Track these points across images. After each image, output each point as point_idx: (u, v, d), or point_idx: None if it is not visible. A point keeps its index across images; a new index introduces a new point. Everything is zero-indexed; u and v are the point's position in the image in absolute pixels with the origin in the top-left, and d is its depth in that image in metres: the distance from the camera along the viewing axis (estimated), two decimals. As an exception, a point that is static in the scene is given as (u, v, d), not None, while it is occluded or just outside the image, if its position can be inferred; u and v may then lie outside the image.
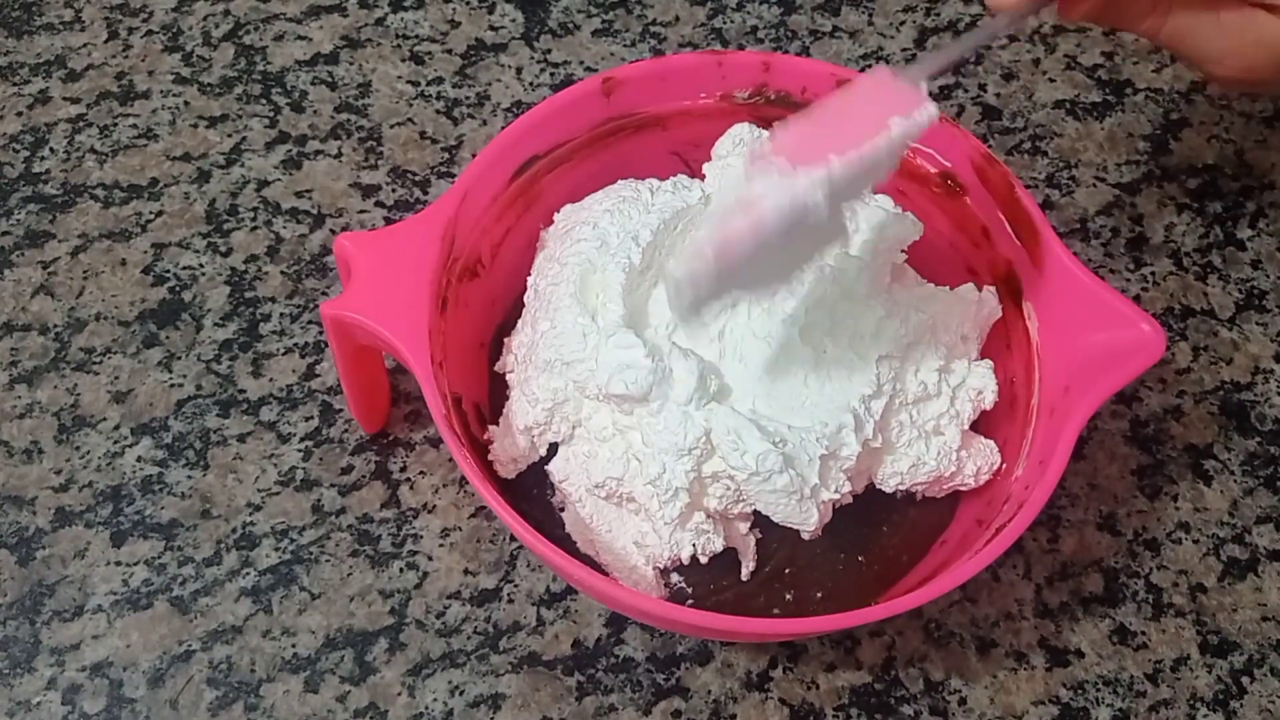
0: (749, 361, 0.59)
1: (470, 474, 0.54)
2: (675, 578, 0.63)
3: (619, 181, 0.67)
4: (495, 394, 0.67)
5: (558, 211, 0.67)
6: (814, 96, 0.68)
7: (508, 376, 0.65)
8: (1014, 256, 0.65)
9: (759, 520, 0.61)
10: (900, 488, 0.62)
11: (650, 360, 0.57)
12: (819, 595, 0.63)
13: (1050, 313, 0.63)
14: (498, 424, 0.65)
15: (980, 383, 0.63)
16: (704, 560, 0.61)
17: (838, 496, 0.58)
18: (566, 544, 0.63)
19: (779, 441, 0.56)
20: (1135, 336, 0.58)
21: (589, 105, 0.68)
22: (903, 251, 0.63)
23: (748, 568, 0.63)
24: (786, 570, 0.64)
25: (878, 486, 0.63)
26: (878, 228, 0.61)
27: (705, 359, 0.58)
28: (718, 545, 0.60)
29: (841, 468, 0.58)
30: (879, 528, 0.65)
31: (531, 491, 0.65)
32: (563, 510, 0.64)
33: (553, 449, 0.63)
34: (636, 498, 0.59)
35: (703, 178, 0.68)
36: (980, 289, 0.65)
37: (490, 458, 0.64)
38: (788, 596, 0.63)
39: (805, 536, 0.60)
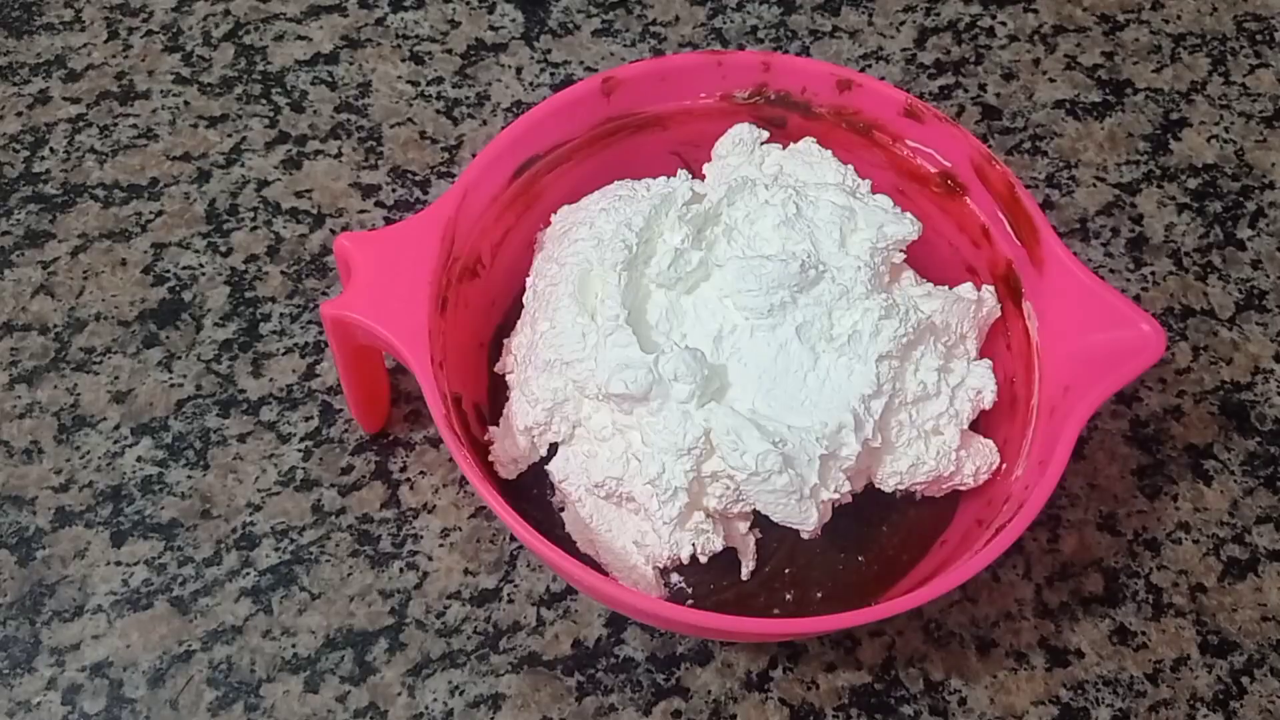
0: (748, 361, 0.59)
1: (470, 474, 0.54)
2: (675, 578, 0.63)
3: (615, 182, 0.66)
4: (495, 394, 0.67)
5: (555, 212, 0.67)
6: (814, 96, 0.69)
7: (507, 377, 0.65)
8: (1014, 256, 0.65)
9: (759, 520, 0.61)
10: (900, 487, 0.62)
11: (649, 359, 0.57)
12: (819, 595, 0.63)
13: (1050, 312, 0.63)
14: (498, 424, 0.65)
15: (979, 382, 0.63)
16: (704, 560, 0.60)
17: (837, 496, 0.58)
18: (566, 544, 0.63)
19: (778, 441, 0.56)
20: (1135, 336, 0.58)
21: (589, 105, 0.67)
22: (901, 251, 0.63)
23: (748, 567, 0.63)
24: (786, 570, 0.64)
25: (877, 486, 0.62)
26: (876, 227, 0.61)
27: (705, 358, 0.58)
28: (717, 545, 0.60)
29: (841, 467, 0.58)
30: (879, 527, 0.65)
31: (531, 491, 0.65)
32: (562, 510, 0.64)
33: (553, 449, 0.63)
34: (636, 497, 0.59)
35: (703, 178, 0.68)
36: (979, 288, 0.65)
37: (490, 458, 0.64)
38: (788, 596, 0.63)
39: (805, 536, 0.60)
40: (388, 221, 0.78)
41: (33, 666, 0.63)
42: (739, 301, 0.60)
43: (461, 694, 0.63)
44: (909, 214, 0.63)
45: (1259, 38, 0.91)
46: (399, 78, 0.85)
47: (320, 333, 0.74)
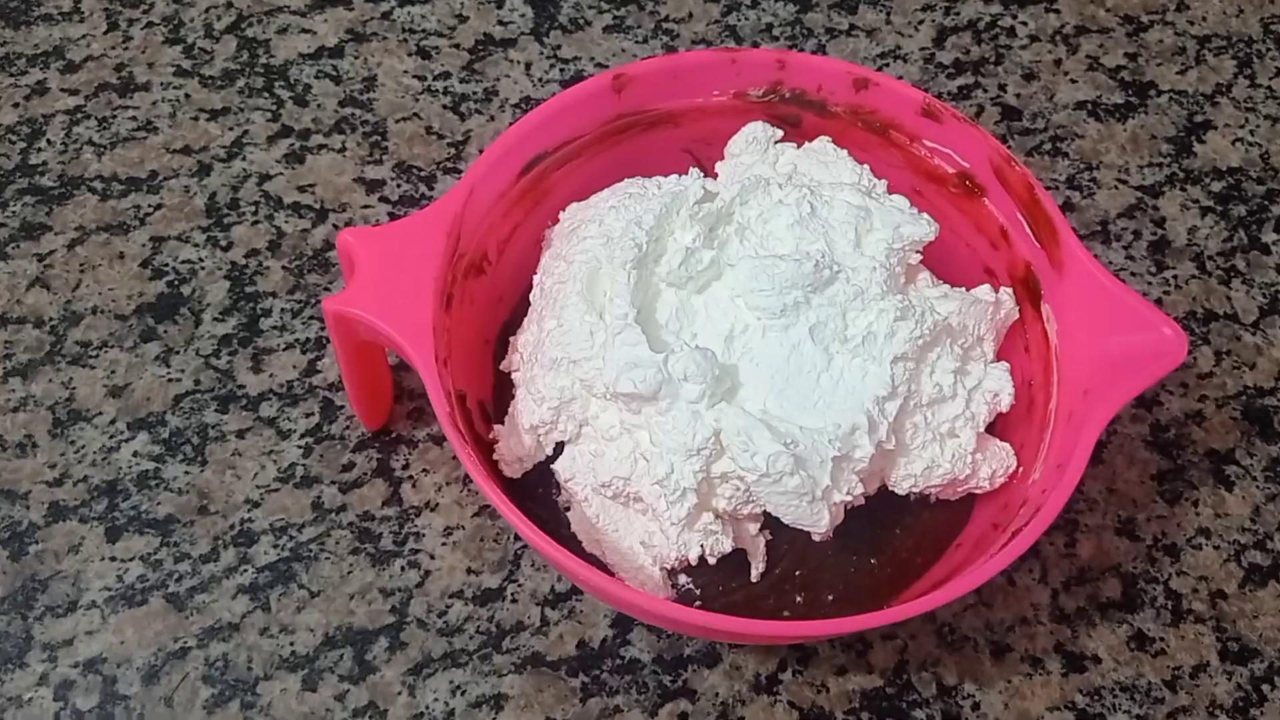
0: (760, 361, 0.60)
1: (474, 473, 0.55)
2: (683, 579, 0.64)
3: (625, 180, 0.68)
4: (500, 392, 0.68)
5: (564, 210, 0.68)
6: (829, 95, 0.70)
7: (513, 375, 0.66)
8: (1033, 258, 0.66)
9: (769, 521, 0.62)
10: (914, 490, 0.63)
11: (658, 358, 0.58)
12: (830, 598, 0.64)
13: (1070, 315, 0.64)
14: (502, 423, 0.66)
15: (996, 385, 0.64)
16: (712, 561, 0.61)
17: (850, 498, 0.59)
18: (572, 544, 0.64)
19: (790, 442, 0.56)
20: (1156, 340, 0.59)
21: (600, 102, 0.69)
22: (918, 252, 0.64)
23: (757, 569, 0.64)
24: (797, 572, 0.65)
25: (891, 489, 0.63)
26: (892, 228, 0.62)
27: (716, 358, 0.59)
28: (726, 546, 0.61)
29: (854, 469, 0.59)
30: (892, 529, 0.66)
31: (537, 490, 0.66)
32: (568, 510, 0.65)
33: (559, 448, 0.64)
34: (644, 497, 0.60)
35: (715, 176, 0.69)
36: (997, 290, 0.66)
37: (495, 456, 0.65)
38: (798, 599, 0.64)
39: (816, 538, 0.61)
40: (392, 217, 0.80)
41: (25, 662, 0.64)
42: (751, 301, 0.61)
43: (463, 694, 0.64)
44: (926, 215, 0.64)
45: (1287, 41, 0.92)
46: (405, 72, 0.87)
47: (322, 328, 0.75)
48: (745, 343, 0.61)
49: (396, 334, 0.58)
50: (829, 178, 0.66)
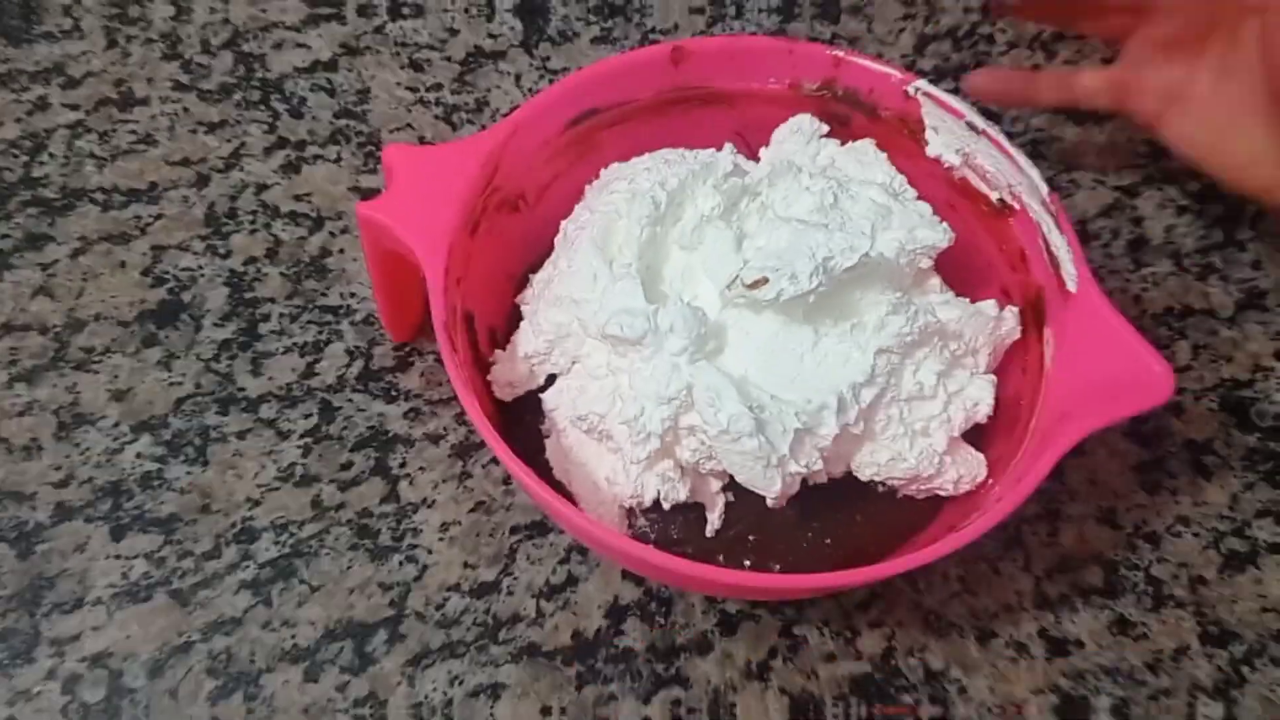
0: (753, 332, 0.62)
1: (456, 382, 0.58)
2: (641, 522, 0.65)
3: (666, 147, 0.70)
4: (514, 324, 0.70)
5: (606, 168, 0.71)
6: (880, 99, 0.71)
7: (523, 308, 0.69)
8: (1045, 283, 0.66)
9: (735, 485, 0.62)
10: (876, 479, 0.64)
11: (650, 308, 0.60)
12: (776, 567, 0.65)
13: (1067, 342, 0.64)
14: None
15: (978, 395, 0.64)
16: (666, 506, 0.63)
17: (806, 471, 0.60)
18: (544, 470, 0.66)
19: (756, 407, 0.58)
20: (1143, 374, 0.59)
21: (656, 71, 0.71)
22: (929, 258, 0.65)
23: (713, 525, 0.65)
24: (751, 537, 0.65)
25: (853, 473, 0.64)
26: (908, 229, 0.63)
27: (705, 317, 0.60)
28: (682, 494, 0.63)
29: (816, 445, 0.59)
30: (853, 515, 0.66)
31: (525, 418, 0.67)
32: (548, 438, 0.67)
33: (552, 381, 0.67)
34: (614, 435, 0.62)
35: (758, 159, 0.70)
36: (1003, 308, 0.67)
37: (490, 378, 0.67)
38: (746, 562, 0.65)
39: (770, 504, 0.61)
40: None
41: (32, 657, 0.65)
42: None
43: (461, 684, 0.65)
44: (945, 224, 0.65)
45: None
46: (398, 84, 0.88)
47: (319, 332, 0.76)
48: (741, 313, 0.62)
49: (413, 242, 0.62)
50: (861, 176, 0.67)
